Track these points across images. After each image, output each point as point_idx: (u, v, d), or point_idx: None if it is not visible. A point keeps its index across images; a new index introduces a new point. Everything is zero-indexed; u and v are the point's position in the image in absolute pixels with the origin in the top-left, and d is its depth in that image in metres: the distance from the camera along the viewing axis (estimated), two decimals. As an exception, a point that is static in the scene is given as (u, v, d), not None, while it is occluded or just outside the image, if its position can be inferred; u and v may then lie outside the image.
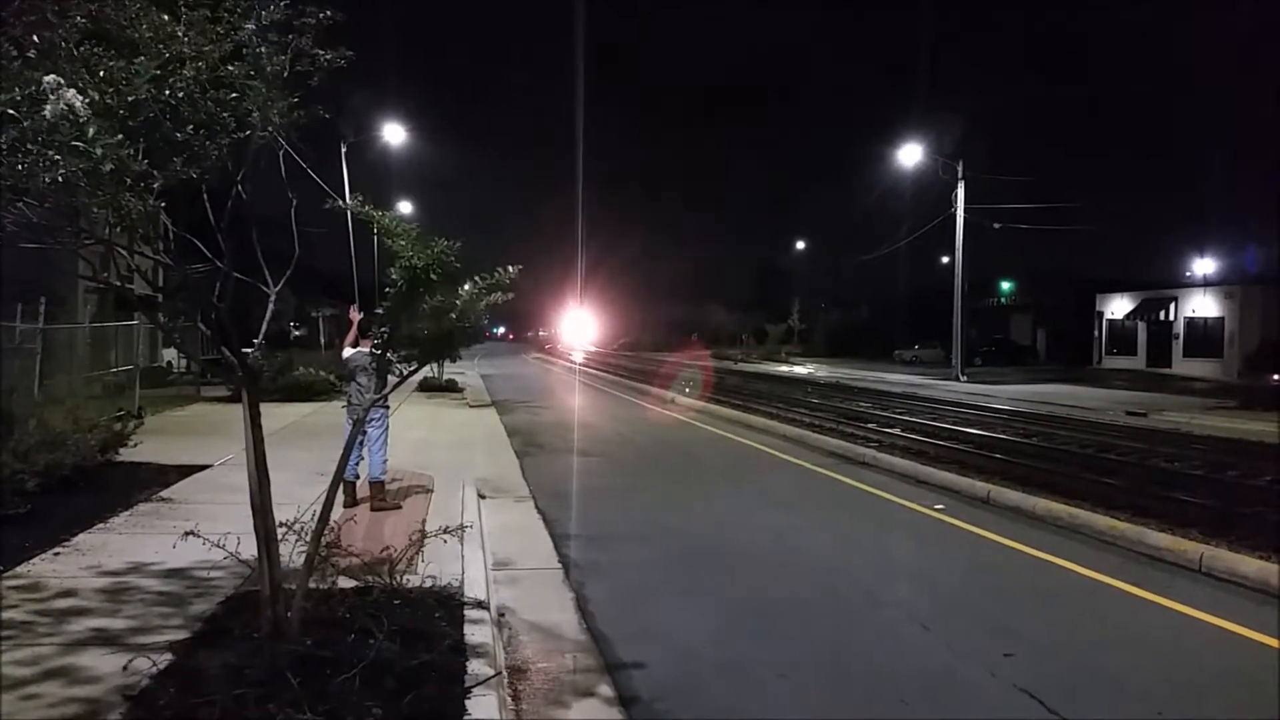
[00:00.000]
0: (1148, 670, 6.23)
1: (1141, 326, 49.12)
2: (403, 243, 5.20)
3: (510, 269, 5.49)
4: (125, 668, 4.84)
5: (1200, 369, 42.46)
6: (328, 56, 4.95)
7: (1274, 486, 12.70)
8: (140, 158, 4.39)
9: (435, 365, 20.58)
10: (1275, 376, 34.95)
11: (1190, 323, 45.76)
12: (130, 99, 4.29)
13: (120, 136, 4.20)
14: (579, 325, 78.21)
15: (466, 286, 5.51)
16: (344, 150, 29.83)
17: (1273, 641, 6.65)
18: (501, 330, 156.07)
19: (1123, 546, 9.40)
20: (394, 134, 32.04)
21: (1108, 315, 51.56)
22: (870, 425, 20.67)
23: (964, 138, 40.49)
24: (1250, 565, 8.28)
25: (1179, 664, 6.37)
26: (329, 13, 4.89)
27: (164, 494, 9.97)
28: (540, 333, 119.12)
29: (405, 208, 37.53)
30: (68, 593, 6.37)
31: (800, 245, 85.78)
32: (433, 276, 5.21)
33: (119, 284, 5.37)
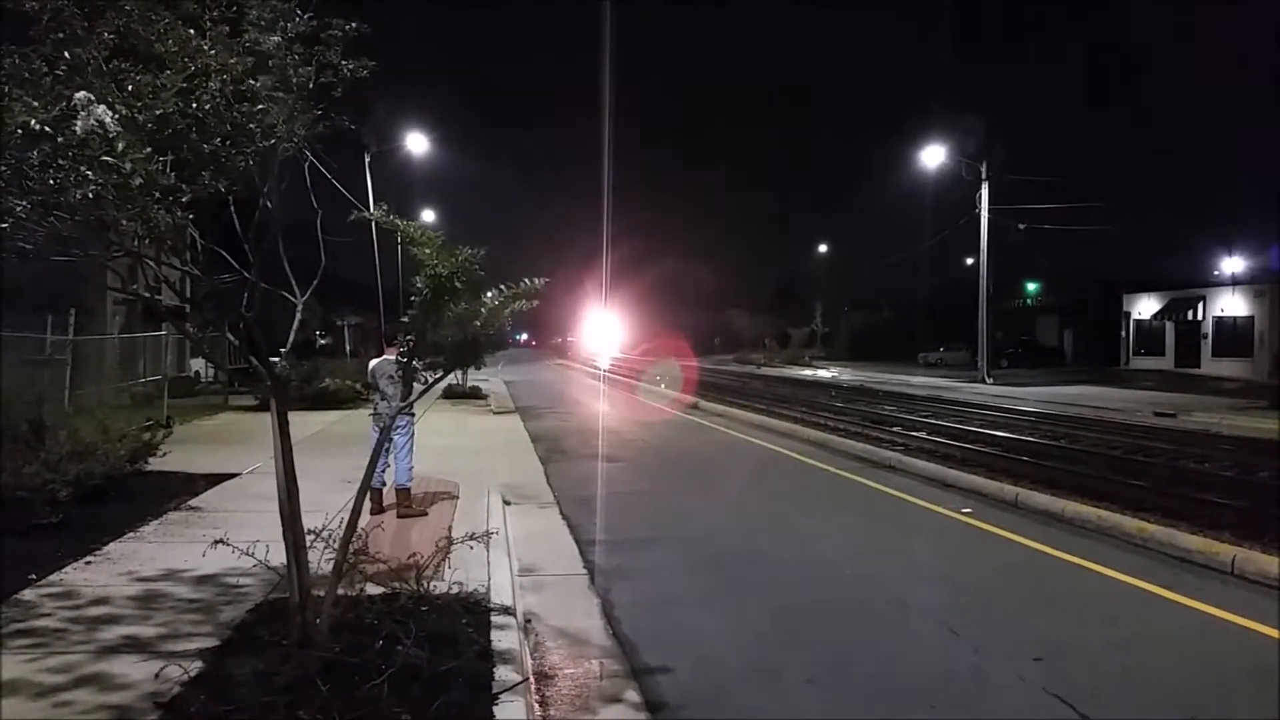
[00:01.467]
0: (1180, 673, 6.17)
1: (1169, 326, 48.62)
2: (428, 251, 5.23)
3: (537, 280, 5.51)
4: (157, 675, 4.89)
5: (1229, 369, 41.98)
6: (350, 67, 5.00)
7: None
8: (168, 171, 4.44)
9: (459, 372, 20.67)
10: (1307, 376, 34.52)
11: (1219, 322, 45.25)
12: (158, 113, 4.35)
13: (149, 150, 4.26)
14: (602, 331, 77.55)
15: (490, 294, 5.53)
16: (368, 160, 30.03)
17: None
18: (524, 337, 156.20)
19: (1152, 549, 9.32)
20: (417, 143, 32.21)
21: (1135, 315, 51.09)
22: (895, 429, 20.59)
23: (987, 138, 40.10)
24: (1283, 567, 8.18)
25: (1211, 666, 6.30)
26: (354, 25, 4.94)
27: (193, 502, 10.06)
28: (568, 339, 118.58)
29: (429, 216, 37.65)
30: (100, 600, 6.44)
31: (823, 248, 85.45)
32: (457, 284, 5.24)
33: (147, 295, 5.45)
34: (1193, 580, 8.24)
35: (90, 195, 4.11)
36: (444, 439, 17.08)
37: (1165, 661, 6.39)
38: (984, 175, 38.72)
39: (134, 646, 5.52)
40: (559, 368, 68.07)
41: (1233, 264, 53.56)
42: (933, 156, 39.80)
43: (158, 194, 4.37)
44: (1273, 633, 6.82)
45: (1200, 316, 46.29)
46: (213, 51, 4.51)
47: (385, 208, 5.59)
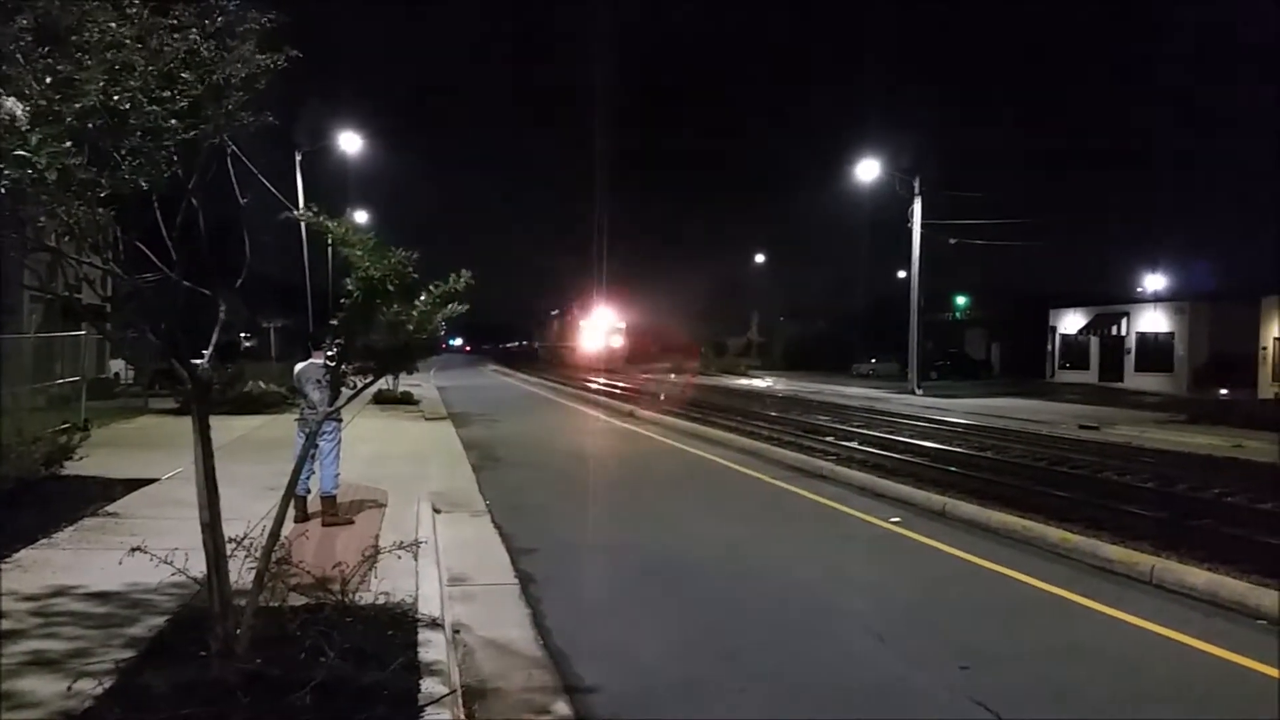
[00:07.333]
0: (1100, 681, 6.28)
1: (1094, 341, 49.92)
2: (359, 253, 5.13)
3: (464, 275, 5.43)
4: (69, 689, 4.70)
5: (1151, 383, 43.23)
6: (271, 61, 4.85)
7: (1222, 499, 12.93)
8: (89, 165, 4.29)
9: (391, 377, 20.38)
10: (1223, 391, 35.68)
11: (1142, 338, 46.60)
12: (78, 105, 4.20)
13: (69, 144, 4.11)
14: (600, 335, 73.32)
15: (423, 297, 5.44)
16: (299, 159, 29.53)
17: (1219, 652, 6.75)
18: (459, 342, 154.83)
19: (1076, 559, 9.50)
20: (350, 142, 31.72)
21: (1061, 330, 52.37)
22: (828, 438, 20.79)
23: (920, 154, 41.01)
24: (1199, 576, 8.40)
25: (1130, 675, 6.44)
26: (272, 16, 4.81)
27: (110, 509, 9.76)
28: (521, 344, 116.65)
29: (361, 216, 37.10)
30: (8, 611, 6.19)
31: (759, 258, 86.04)
32: (389, 287, 5.15)
33: (66, 294, 5.26)
34: (1114, 589, 8.41)
35: (3, 189, 3.95)
36: (373, 445, 16.81)
37: (1087, 669, 6.49)
38: (916, 190, 39.37)
39: (43, 661, 5.31)
40: (494, 374, 67.60)
41: (1155, 281, 55.36)
42: (868, 171, 40.33)
43: (75, 188, 4.22)
44: (1188, 640, 6.98)
45: (1124, 332, 47.61)
46: (140, 43, 4.37)
47: (314, 209, 5.46)
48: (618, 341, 71.36)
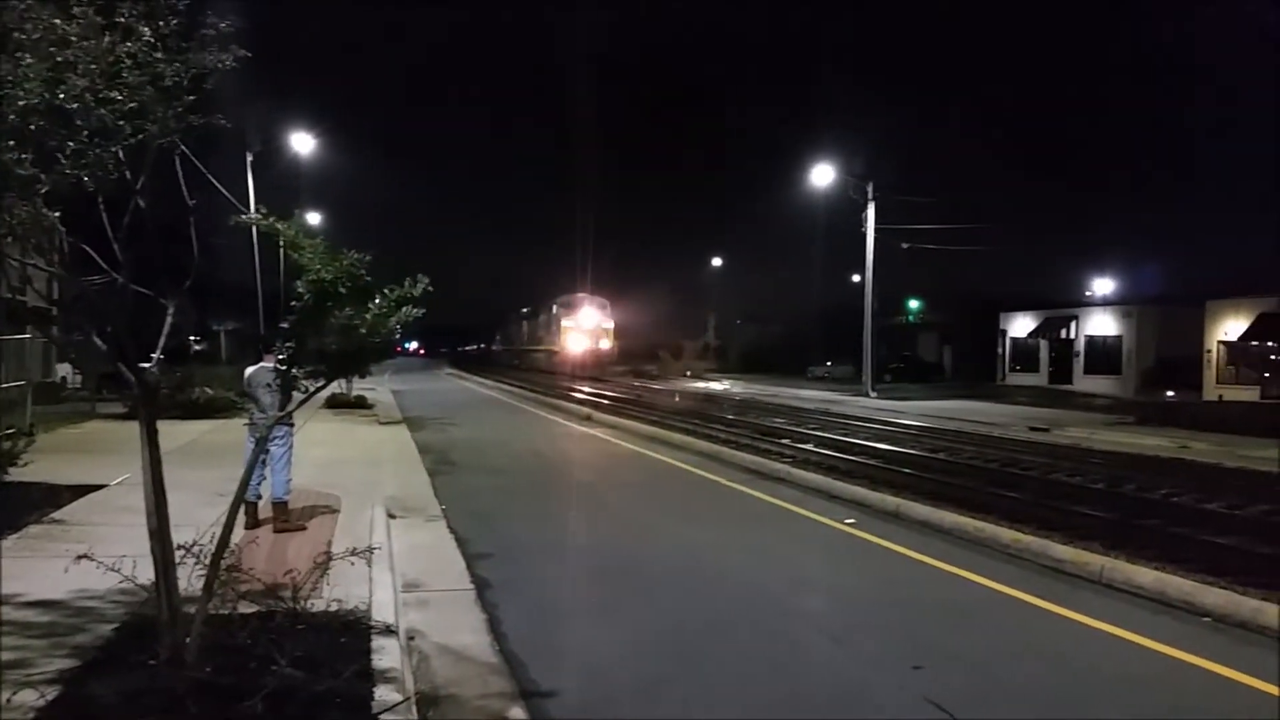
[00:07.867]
0: (1051, 680, 6.37)
1: (1044, 344, 50.58)
2: (310, 255, 5.07)
3: (420, 280, 5.38)
4: (8, 701, 4.59)
5: (1100, 385, 43.87)
6: (218, 62, 4.78)
7: (1169, 499, 13.17)
8: (30, 163, 4.21)
9: (344, 381, 20.17)
10: (1170, 393, 36.34)
11: (1090, 341, 47.28)
12: (21, 103, 4.12)
13: (10, 143, 4.03)
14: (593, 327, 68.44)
15: (377, 300, 5.38)
16: (249, 160, 29.11)
17: (1165, 649, 6.87)
18: (414, 345, 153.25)
19: (1027, 559, 9.63)
20: (302, 142, 31.28)
21: (1011, 333, 52.99)
22: (784, 441, 20.88)
23: (874, 159, 41.47)
24: (1146, 575, 8.55)
25: (1080, 673, 6.52)
26: (228, 22, 4.74)
27: (56, 515, 9.56)
28: (480, 347, 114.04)
29: (315, 218, 36.61)
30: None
31: (717, 261, 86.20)
32: (341, 290, 5.09)
33: (10, 295, 5.15)
34: (1064, 589, 8.53)
35: None
36: (326, 450, 16.60)
37: (1038, 668, 6.59)
38: (870, 195, 39.76)
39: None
40: (450, 378, 67.15)
41: (1104, 285, 56.31)
42: (823, 175, 40.68)
43: (14, 186, 4.14)
44: (1135, 638, 7.10)
45: (1073, 335, 48.29)
46: (85, 43, 4.29)
47: (263, 210, 5.40)
48: (606, 344, 67.81)
